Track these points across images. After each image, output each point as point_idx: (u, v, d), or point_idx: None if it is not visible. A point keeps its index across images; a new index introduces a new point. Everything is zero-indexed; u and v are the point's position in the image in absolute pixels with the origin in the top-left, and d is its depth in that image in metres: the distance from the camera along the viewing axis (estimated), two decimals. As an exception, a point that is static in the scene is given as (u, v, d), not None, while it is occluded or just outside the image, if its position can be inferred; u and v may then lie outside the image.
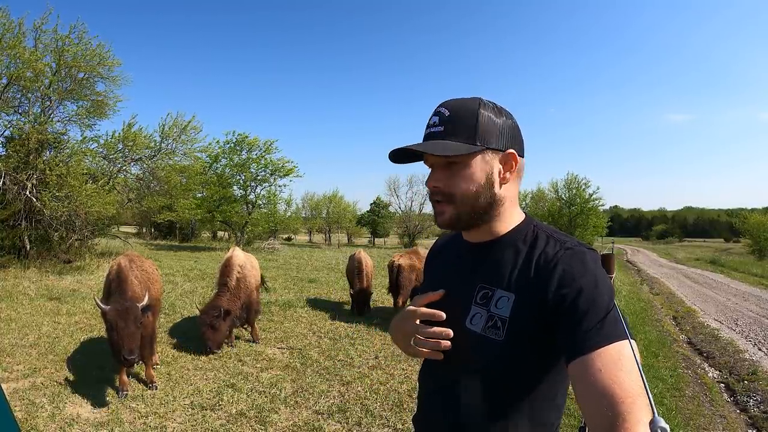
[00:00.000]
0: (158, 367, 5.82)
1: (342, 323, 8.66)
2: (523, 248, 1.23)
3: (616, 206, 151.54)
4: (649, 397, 0.78)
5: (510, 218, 1.29)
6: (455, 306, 1.28)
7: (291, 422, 4.57)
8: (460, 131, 1.19)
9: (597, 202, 43.06)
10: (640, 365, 0.94)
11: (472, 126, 1.20)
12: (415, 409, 1.50)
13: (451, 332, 1.22)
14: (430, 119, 1.24)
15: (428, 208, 49.07)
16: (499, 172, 1.24)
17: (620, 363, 0.97)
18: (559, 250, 1.17)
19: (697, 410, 5.65)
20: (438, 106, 1.25)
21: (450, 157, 1.19)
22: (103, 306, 4.75)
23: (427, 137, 1.22)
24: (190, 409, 4.74)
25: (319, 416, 4.72)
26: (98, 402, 4.80)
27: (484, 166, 1.22)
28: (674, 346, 8.74)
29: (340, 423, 4.61)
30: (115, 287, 5.03)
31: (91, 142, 16.38)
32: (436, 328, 1.25)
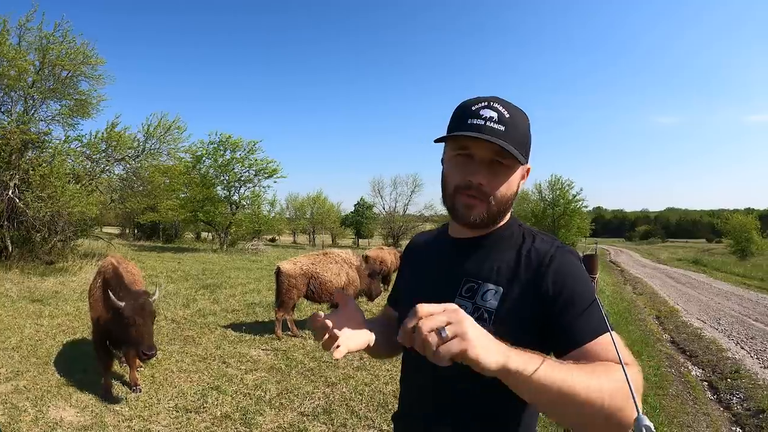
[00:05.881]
0: (142, 369, 5.78)
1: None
2: (512, 245, 1.30)
3: (599, 207, 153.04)
4: (633, 395, 0.80)
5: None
6: (439, 300, 1.30)
7: (276, 424, 4.57)
8: (517, 139, 1.22)
9: (580, 203, 43.41)
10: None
11: (526, 137, 1.27)
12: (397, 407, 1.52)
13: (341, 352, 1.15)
14: (480, 109, 1.23)
15: (412, 209, 48.90)
16: (519, 183, 1.32)
17: (612, 346, 1.05)
18: (551, 247, 1.24)
19: (680, 408, 5.74)
20: (491, 101, 1.24)
21: (505, 159, 1.23)
22: (119, 303, 4.64)
23: (481, 129, 1.20)
24: (174, 412, 4.73)
25: (305, 418, 4.73)
26: (82, 405, 4.77)
27: (518, 175, 1.29)
28: (658, 345, 8.85)
29: (326, 424, 4.62)
30: (117, 284, 4.99)
31: (74, 142, 16.25)
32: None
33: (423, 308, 0.92)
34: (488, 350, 0.90)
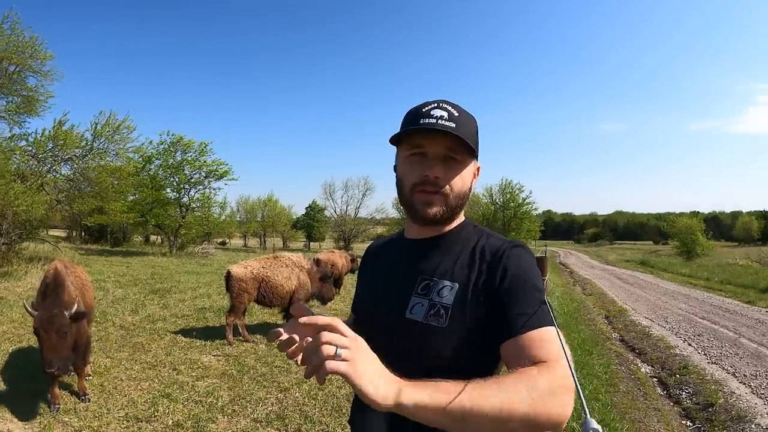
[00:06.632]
0: (91, 378, 5.68)
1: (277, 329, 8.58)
2: (467, 243, 1.36)
3: (549, 210, 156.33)
4: (580, 396, 0.82)
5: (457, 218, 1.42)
6: (395, 298, 1.36)
7: (229, 431, 4.57)
8: (467, 134, 1.28)
9: (530, 206, 44.27)
10: (567, 353, 1.05)
11: (474, 133, 1.33)
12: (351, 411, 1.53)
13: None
14: (430, 110, 1.30)
15: (363, 212, 48.96)
16: (472, 179, 1.39)
17: (548, 340, 1.11)
18: (504, 243, 1.31)
19: (631, 404, 5.97)
20: (440, 102, 1.32)
21: (458, 154, 1.30)
22: (33, 312, 4.54)
23: (433, 126, 1.26)
24: (125, 422, 4.67)
25: (258, 424, 4.74)
26: (29, 416, 4.67)
27: (470, 171, 1.37)
28: (607, 343, 9.16)
29: (279, 430, 4.64)
30: (51, 291, 4.85)
31: (19, 140, 15.76)
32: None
33: (336, 324, 0.95)
34: (375, 385, 0.91)
